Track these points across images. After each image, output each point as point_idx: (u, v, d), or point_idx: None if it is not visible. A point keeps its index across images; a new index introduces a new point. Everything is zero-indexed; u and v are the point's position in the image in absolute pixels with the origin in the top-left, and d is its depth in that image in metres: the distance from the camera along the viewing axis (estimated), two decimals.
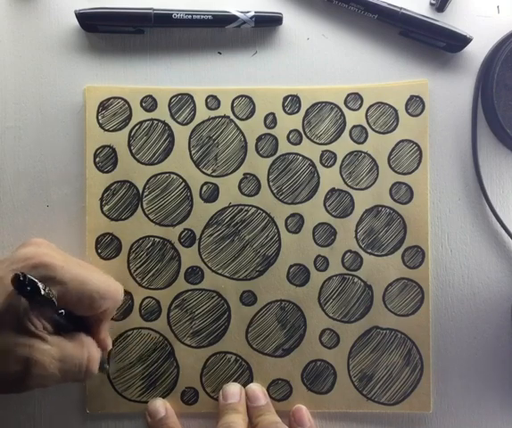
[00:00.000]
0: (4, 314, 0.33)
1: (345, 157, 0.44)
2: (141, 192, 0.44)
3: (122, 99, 0.44)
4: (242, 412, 0.42)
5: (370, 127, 0.44)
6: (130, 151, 0.44)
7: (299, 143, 0.44)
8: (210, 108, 0.44)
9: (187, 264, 0.44)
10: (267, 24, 0.45)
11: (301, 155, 0.44)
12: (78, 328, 0.37)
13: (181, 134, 0.44)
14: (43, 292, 0.32)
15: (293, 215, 0.44)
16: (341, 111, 0.44)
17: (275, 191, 0.44)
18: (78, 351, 0.36)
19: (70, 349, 0.35)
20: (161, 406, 0.43)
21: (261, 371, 0.44)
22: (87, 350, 0.37)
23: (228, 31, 0.45)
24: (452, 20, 0.45)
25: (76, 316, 0.37)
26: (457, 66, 0.45)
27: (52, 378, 0.35)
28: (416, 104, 0.44)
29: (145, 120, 0.44)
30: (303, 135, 0.44)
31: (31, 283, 0.31)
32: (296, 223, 0.44)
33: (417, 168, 0.44)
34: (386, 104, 0.44)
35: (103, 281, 0.37)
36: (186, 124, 0.44)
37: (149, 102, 0.44)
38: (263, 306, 0.44)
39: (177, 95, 0.44)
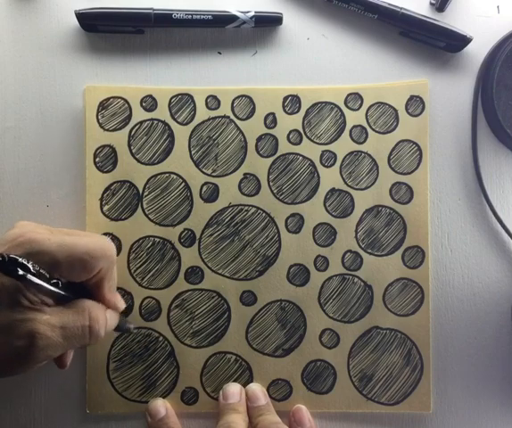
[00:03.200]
0: None
1: (345, 157, 0.44)
2: (141, 192, 0.44)
3: (122, 99, 0.44)
4: (242, 412, 0.42)
5: (370, 127, 0.44)
6: (130, 151, 0.44)
7: (299, 143, 0.44)
8: (210, 108, 0.44)
9: (187, 264, 0.44)
10: (267, 24, 0.45)
11: (301, 155, 0.44)
12: (83, 296, 0.37)
13: (181, 134, 0.44)
14: (32, 269, 0.32)
15: (293, 215, 0.44)
16: (341, 111, 0.44)
17: (275, 191, 0.44)
18: (79, 316, 0.36)
19: (71, 315, 0.35)
20: (161, 406, 0.43)
21: (261, 371, 0.44)
22: (89, 313, 0.36)
23: (228, 31, 0.45)
24: (452, 20, 0.45)
25: (76, 284, 0.37)
26: (457, 66, 0.45)
27: (57, 347, 0.35)
28: (416, 104, 0.44)
29: (145, 120, 0.44)
30: (303, 135, 0.44)
31: (14, 261, 0.31)
32: (296, 223, 0.44)
33: (416, 168, 0.44)
34: (386, 104, 0.44)
35: (92, 242, 0.37)
36: (186, 124, 0.44)
37: (149, 102, 0.44)
38: (263, 306, 0.44)
39: (177, 95, 0.44)
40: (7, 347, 0.33)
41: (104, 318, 0.38)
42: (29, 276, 0.32)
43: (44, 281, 0.33)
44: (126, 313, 0.44)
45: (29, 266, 0.32)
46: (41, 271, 0.33)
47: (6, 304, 0.33)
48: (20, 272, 0.31)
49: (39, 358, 0.34)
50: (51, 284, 0.34)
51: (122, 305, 0.41)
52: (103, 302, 0.38)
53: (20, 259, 0.32)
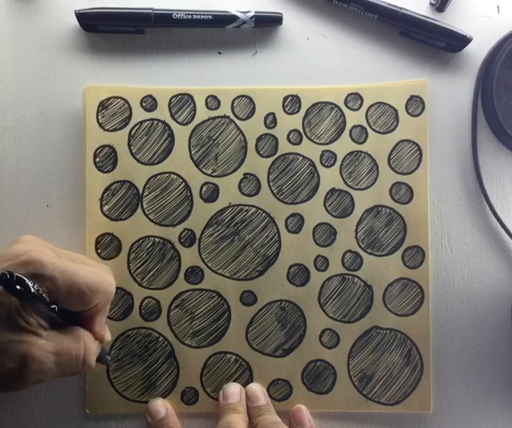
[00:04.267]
0: None
1: (345, 157, 0.44)
2: (141, 192, 0.44)
3: (122, 99, 0.44)
4: (242, 412, 0.42)
5: (370, 127, 0.44)
6: (130, 151, 0.44)
7: (299, 143, 0.44)
8: (210, 108, 0.44)
9: (187, 264, 0.44)
10: (267, 24, 0.45)
11: (301, 155, 0.44)
12: (74, 323, 0.37)
13: (181, 134, 0.44)
14: (32, 290, 0.32)
15: (293, 215, 0.44)
16: (341, 111, 0.44)
17: (275, 191, 0.44)
18: (74, 344, 0.36)
19: (66, 343, 0.35)
20: (161, 406, 0.43)
21: (261, 371, 0.44)
22: (84, 343, 0.36)
23: (228, 31, 0.45)
24: (452, 20, 0.45)
25: (69, 311, 0.36)
26: (457, 66, 0.45)
27: (49, 372, 0.35)
28: (416, 104, 0.44)
29: (145, 120, 0.44)
30: (303, 135, 0.44)
31: (19, 280, 0.31)
32: (296, 223, 0.44)
33: (416, 168, 0.44)
34: (386, 104, 0.44)
35: (94, 275, 0.37)
36: (186, 124, 0.44)
37: (149, 102, 0.44)
38: (263, 306, 0.44)
39: (177, 95, 0.44)
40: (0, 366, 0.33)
41: (96, 349, 0.38)
42: (33, 298, 0.32)
43: (44, 304, 0.33)
44: (126, 314, 0.44)
45: (35, 287, 0.32)
46: (43, 294, 0.33)
47: (4, 323, 0.33)
48: (32, 290, 0.31)
49: (30, 381, 0.34)
50: (49, 309, 0.34)
51: (109, 338, 0.41)
52: (92, 333, 0.38)
53: (26, 281, 0.31)
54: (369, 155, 0.44)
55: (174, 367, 0.44)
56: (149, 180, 0.44)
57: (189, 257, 0.44)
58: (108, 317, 0.43)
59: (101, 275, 0.38)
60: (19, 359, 0.33)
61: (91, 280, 0.36)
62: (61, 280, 0.34)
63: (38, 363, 0.34)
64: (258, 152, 0.44)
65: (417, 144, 0.44)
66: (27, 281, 0.31)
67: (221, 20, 0.44)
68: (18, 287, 0.31)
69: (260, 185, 0.44)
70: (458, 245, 0.45)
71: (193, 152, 0.44)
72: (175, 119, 0.44)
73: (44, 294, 0.33)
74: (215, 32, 0.45)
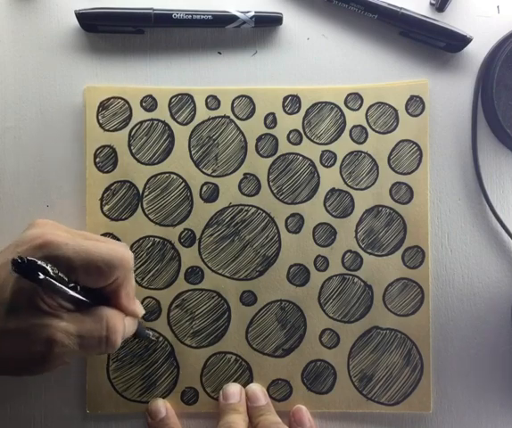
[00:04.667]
0: (16, 297, 0.33)
1: (345, 157, 0.44)
2: (141, 192, 0.44)
3: (122, 99, 0.44)
4: (242, 412, 0.42)
5: (370, 127, 0.44)
6: (130, 151, 0.44)
7: (299, 143, 0.44)
8: (210, 108, 0.44)
9: (187, 264, 0.44)
10: (267, 24, 0.45)
11: (301, 155, 0.44)
12: (100, 301, 0.37)
13: (181, 134, 0.44)
14: (51, 272, 0.32)
15: (293, 215, 0.44)
16: (341, 111, 0.44)
17: (275, 191, 0.44)
18: (96, 325, 0.35)
19: (88, 323, 0.35)
20: (161, 406, 0.43)
21: (261, 371, 0.44)
22: (107, 322, 0.36)
23: (228, 31, 0.45)
24: (452, 20, 0.45)
25: (94, 289, 0.36)
26: (457, 66, 0.45)
27: (73, 354, 0.35)
28: (416, 104, 0.44)
29: (145, 120, 0.44)
30: (303, 135, 0.44)
31: (31, 263, 0.31)
32: (296, 223, 0.44)
33: (416, 168, 0.44)
34: (386, 104, 0.44)
35: (110, 249, 0.36)
36: (186, 124, 0.44)
37: (149, 102, 0.44)
38: (263, 306, 0.44)
39: (177, 95, 0.44)
40: (23, 351, 0.34)
41: (122, 327, 0.37)
42: (49, 280, 0.32)
43: (62, 285, 0.33)
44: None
45: (49, 269, 0.32)
46: (60, 275, 0.33)
47: (25, 308, 0.33)
48: (41, 276, 0.31)
49: (54, 364, 0.34)
50: (69, 288, 0.34)
51: (141, 312, 0.40)
52: (121, 309, 0.38)
53: (38, 262, 0.31)
54: (369, 155, 0.44)
55: (174, 367, 0.44)
56: (149, 180, 0.44)
57: (189, 257, 0.44)
58: None
59: (115, 249, 0.37)
60: (43, 343, 0.33)
61: (106, 255, 0.36)
62: (76, 259, 0.34)
63: (62, 346, 0.34)
64: (258, 152, 0.44)
65: (417, 144, 0.44)
66: (39, 262, 0.31)
67: (221, 20, 0.44)
68: (31, 272, 0.31)
69: (260, 185, 0.44)
70: (458, 245, 0.45)
71: (193, 152, 0.44)
72: (175, 119, 0.44)
73: (60, 274, 0.33)
74: (215, 32, 0.45)
